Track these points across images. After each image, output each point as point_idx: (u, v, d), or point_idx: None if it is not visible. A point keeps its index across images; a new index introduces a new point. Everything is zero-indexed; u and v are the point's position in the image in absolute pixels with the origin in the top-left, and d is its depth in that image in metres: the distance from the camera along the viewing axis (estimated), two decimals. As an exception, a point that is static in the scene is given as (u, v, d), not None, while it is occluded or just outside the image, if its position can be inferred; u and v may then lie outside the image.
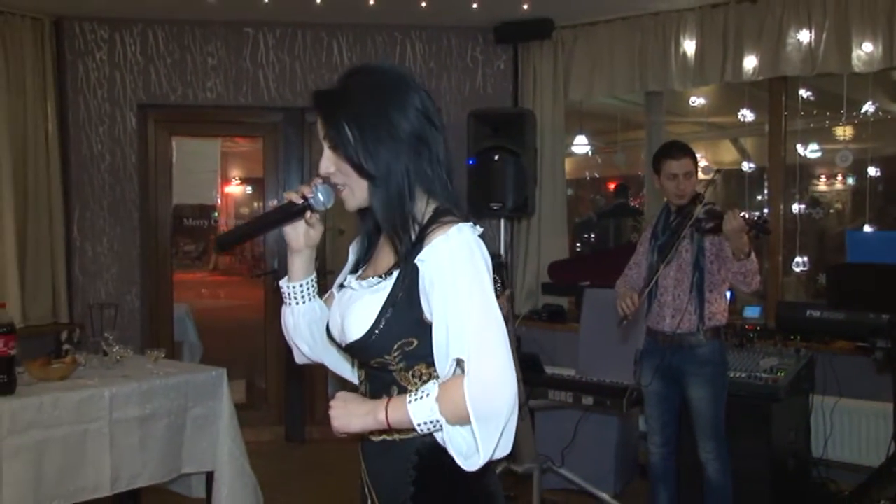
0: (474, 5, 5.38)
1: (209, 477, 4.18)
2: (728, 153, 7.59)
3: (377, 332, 1.64)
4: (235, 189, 8.40)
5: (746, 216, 3.50)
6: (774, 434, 4.32)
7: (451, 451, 1.58)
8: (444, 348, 1.59)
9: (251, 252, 7.90)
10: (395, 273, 1.66)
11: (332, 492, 5.15)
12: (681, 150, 3.90)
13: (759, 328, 5.01)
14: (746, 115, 5.56)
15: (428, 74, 6.10)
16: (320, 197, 1.74)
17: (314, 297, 1.86)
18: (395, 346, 1.65)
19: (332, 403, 1.68)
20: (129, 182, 5.96)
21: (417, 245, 1.63)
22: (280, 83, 6.04)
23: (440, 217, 1.65)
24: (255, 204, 6.73)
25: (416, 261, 1.61)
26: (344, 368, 1.92)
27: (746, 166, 5.86)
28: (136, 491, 4.14)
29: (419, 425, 1.58)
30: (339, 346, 1.81)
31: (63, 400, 3.55)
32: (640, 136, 6.44)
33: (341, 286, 1.82)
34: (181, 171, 6.26)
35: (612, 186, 8.79)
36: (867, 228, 5.18)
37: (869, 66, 4.82)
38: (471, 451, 1.56)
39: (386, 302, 1.64)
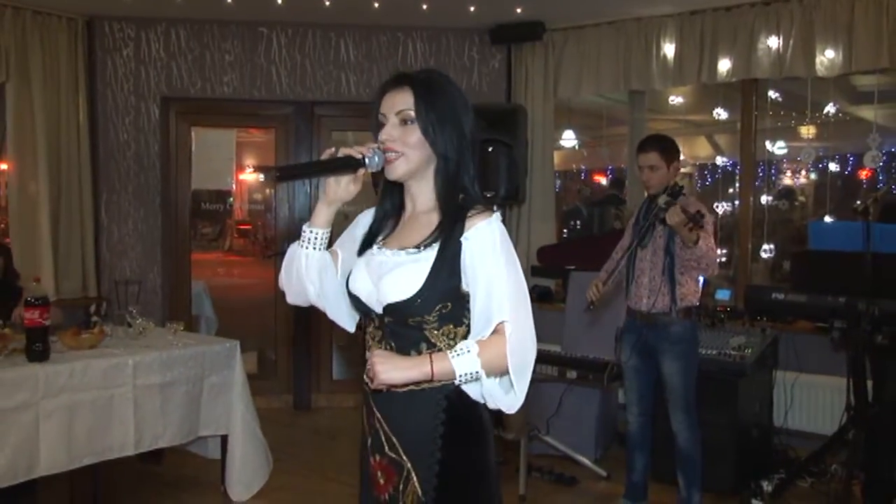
0: (471, 8, 5.40)
1: (224, 440, 4.24)
2: (703, 148, 7.62)
3: (423, 295, 1.77)
4: (249, 177, 8.41)
5: (685, 210, 3.53)
6: (741, 406, 4.40)
7: (493, 398, 1.79)
8: (484, 312, 1.75)
9: (263, 235, 7.94)
10: (435, 246, 1.79)
11: (335, 454, 5.22)
12: (648, 144, 3.90)
13: (729, 309, 5.06)
14: (720, 113, 5.59)
15: (428, 72, 6.11)
16: (376, 159, 1.82)
17: (324, 248, 1.91)
18: (435, 309, 1.78)
19: (376, 359, 1.75)
20: (152, 169, 5.99)
21: (458, 224, 1.78)
22: (291, 78, 6.06)
23: (471, 205, 1.81)
24: (267, 190, 6.74)
25: (461, 238, 1.77)
26: (342, 319, 1.99)
27: (720, 161, 5.89)
28: (158, 450, 4.22)
29: (460, 376, 1.74)
30: (356, 302, 1.89)
31: (92, 367, 3.62)
32: (623, 131, 6.47)
33: (361, 253, 1.92)
34: (199, 160, 6.28)
35: (597, 178, 8.81)
36: (827, 219, 5.22)
37: (830, 71, 4.89)
38: (501, 397, 1.78)
39: (431, 270, 1.77)
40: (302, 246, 1.89)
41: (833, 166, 5.44)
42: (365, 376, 1.85)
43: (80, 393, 3.56)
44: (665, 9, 5.38)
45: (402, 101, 1.82)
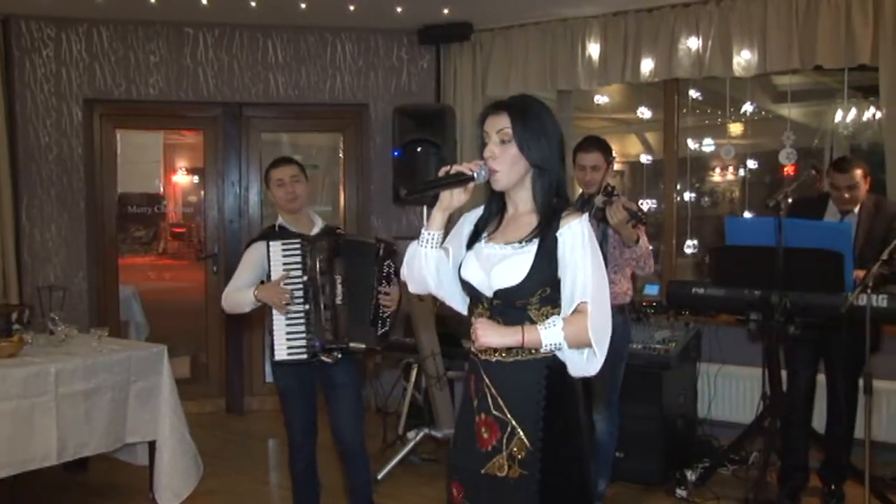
0: (399, 9, 5.44)
1: (152, 446, 4.21)
2: (634, 146, 7.78)
3: (529, 282, 2.12)
4: (182, 179, 8.31)
5: (628, 208, 3.58)
6: (666, 398, 4.52)
7: (574, 364, 2.14)
8: (571, 293, 2.11)
9: (198, 237, 7.85)
10: (536, 241, 2.14)
11: (266, 456, 5.23)
12: (591, 144, 3.95)
13: (655, 304, 5.18)
14: (644, 112, 5.72)
15: (357, 73, 6.15)
16: (483, 173, 2.16)
17: (438, 246, 2.24)
18: (537, 292, 2.14)
19: (478, 324, 2.13)
20: (76, 172, 5.90)
21: (554, 223, 2.14)
22: (219, 80, 6.03)
23: (564, 207, 2.17)
24: (201, 192, 6.68)
25: (556, 234, 2.12)
26: (457, 303, 2.34)
27: (644, 158, 6.03)
28: (83, 459, 4.17)
29: (546, 346, 2.09)
30: (468, 288, 2.23)
31: (10, 376, 3.56)
32: (552, 130, 6.58)
33: (469, 246, 2.27)
34: (126, 162, 6.22)
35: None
36: (747, 214, 5.40)
37: (747, 72, 5.06)
38: (582, 363, 2.13)
39: (534, 261, 2.13)
40: (421, 245, 2.23)
41: (751, 163, 5.61)
42: (472, 346, 2.23)
43: (-2, 403, 3.52)
44: (589, 10, 5.49)
45: (500, 123, 2.17)
